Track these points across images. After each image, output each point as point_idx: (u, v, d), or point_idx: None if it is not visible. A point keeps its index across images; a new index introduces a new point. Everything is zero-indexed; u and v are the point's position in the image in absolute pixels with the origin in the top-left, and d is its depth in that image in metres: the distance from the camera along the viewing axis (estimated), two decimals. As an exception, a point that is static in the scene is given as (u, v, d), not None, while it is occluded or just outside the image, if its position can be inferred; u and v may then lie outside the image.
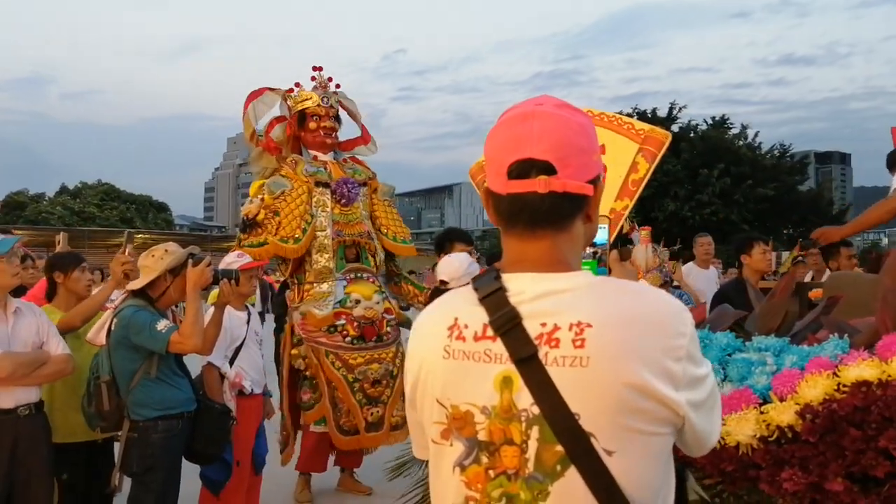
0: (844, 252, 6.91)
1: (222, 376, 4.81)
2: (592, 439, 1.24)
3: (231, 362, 4.89)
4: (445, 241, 5.82)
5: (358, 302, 6.14)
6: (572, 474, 1.24)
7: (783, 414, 1.86)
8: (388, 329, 6.25)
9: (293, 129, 6.65)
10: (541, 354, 1.27)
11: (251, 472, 5.11)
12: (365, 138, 7.09)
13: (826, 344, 2.03)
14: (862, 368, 1.83)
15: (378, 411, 6.08)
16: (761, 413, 1.91)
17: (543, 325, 1.28)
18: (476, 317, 1.35)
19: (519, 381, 1.28)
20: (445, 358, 1.37)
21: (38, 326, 3.90)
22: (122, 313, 4.05)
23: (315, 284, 6.21)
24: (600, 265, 2.62)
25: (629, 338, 1.25)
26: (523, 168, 1.31)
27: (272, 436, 5.91)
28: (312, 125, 6.55)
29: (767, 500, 1.97)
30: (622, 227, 4.90)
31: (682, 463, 1.51)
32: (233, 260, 5.09)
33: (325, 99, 6.62)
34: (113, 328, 4.04)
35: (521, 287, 1.33)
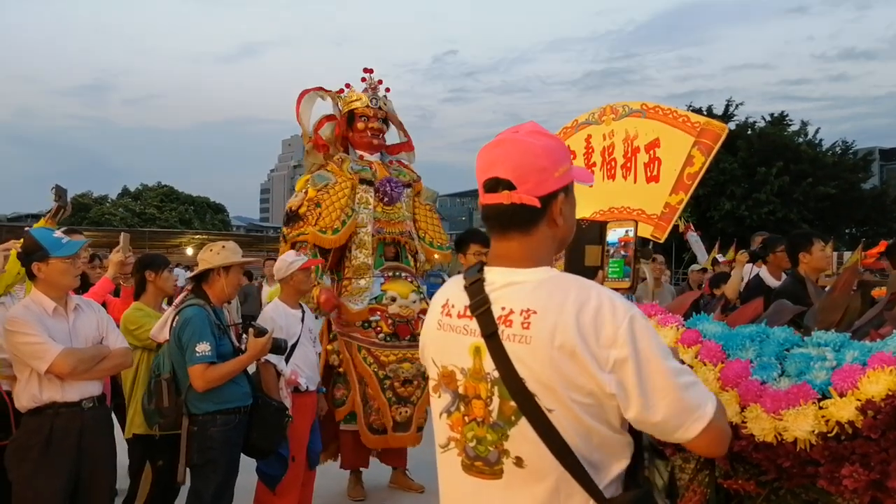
0: None
1: (278, 373, 4.87)
2: (536, 398, 1.60)
3: (287, 360, 4.95)
4: (463, 242, 5.81)
5: (394, 299, 6.20)
6: (524, 423, 1.61)
7: (843, 409, 1.82)
8: None
9: (342, 129, 6.74)
10: (500, 332, 1.64)
11: (306, 467, 5.18)
12: (409, 145, 7.15)
13: (889, 339, 1.96)
14: (926, 363, 1.78)
15: (407, 411, 6.10)
16: (820, 408, 1.87)
17: (503, 308, 1.66)
18: (461, 299, 1.76)
19: (485, 351, 1.66)
20: (438, 329, 1.81)
21: (97, 322, 4.00)
22: (184, 311, 4.17)
23: (353, 280, 6.28)
24: (626, 264, 2.62)
25: (563, 322, 1.58)
26: (492, 184, 1.70)
27: (327, 432, 5.96)
28: (360, 126, 6.64)
29: (826, 498, 1.93)
30: (677, 225, 4.80)
31: (656, 451, 1.81)
32: (292, 259, 5.17)
33: (374, 101, 6.70)
34: (174, 325, 4.16)
35: (494, 278, 1.72)
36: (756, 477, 2.03)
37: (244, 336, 4.40)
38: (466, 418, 1.71)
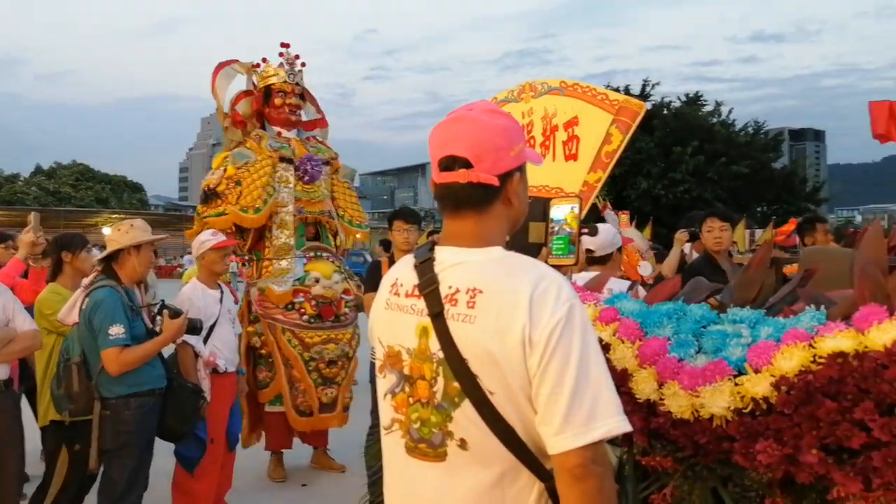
0: (821, 228, 6.98)
1: (197, 355, 4.76)
2: (479, 380, 1.57)
3: (205, 341, 4.84)
4: (390, 219, 5.86)
5: (317, 280, 6.15)
6: (467, 405, 1.59)
7: (758, 386, 1.84)
8: (346, 310, 6.24)
9: (258, 105, 6.60)
10: (446, 311, 1.62)
11: (225, 449, 5.10)
12: (324, 122, 7.07)
13: (802, 315, 1.99)
14: (838, 340, 1.80)
15: (332, 392, 6.09)
16: (736, 385, 1.89)
17: (450, 287, 1.65)
18: (409, 279, 1.74)
19: (432, 331, 1.64)
20: (385, 308, 1.79)
21: (3, 304, 3.85)
22: (94, 293, 4.03)
23: (274, 261, 6.20)
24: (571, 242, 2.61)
25: (512, 303, 1.55)
26: (449, 163, 1.67)
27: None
28: (278, 101, 6.54)
29: (740, 473, 1.96)
30: (595, 204, 4.85)
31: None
32: (207, 238, 5.06)
33: (292, 76, 6.60)
34: (84, 307, 4.02)
35: (444, 258, 1.70)
36: (673, 454, 2.05)
37: (158, 318, 4.27)
38: (411, 399, 1.69)
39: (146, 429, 4.10)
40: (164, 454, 4.54)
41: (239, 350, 6.21)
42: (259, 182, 6.13)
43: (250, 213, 6.03)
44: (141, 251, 4.23)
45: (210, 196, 6.11)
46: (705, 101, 39.97)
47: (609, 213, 12.50)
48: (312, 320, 6.10)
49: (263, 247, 6.33)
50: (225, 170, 6.17)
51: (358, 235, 6.85)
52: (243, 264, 7.07)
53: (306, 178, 6.42)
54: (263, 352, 6.16)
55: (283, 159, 6.38)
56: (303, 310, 6.10)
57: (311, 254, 6.37)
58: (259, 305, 6.16)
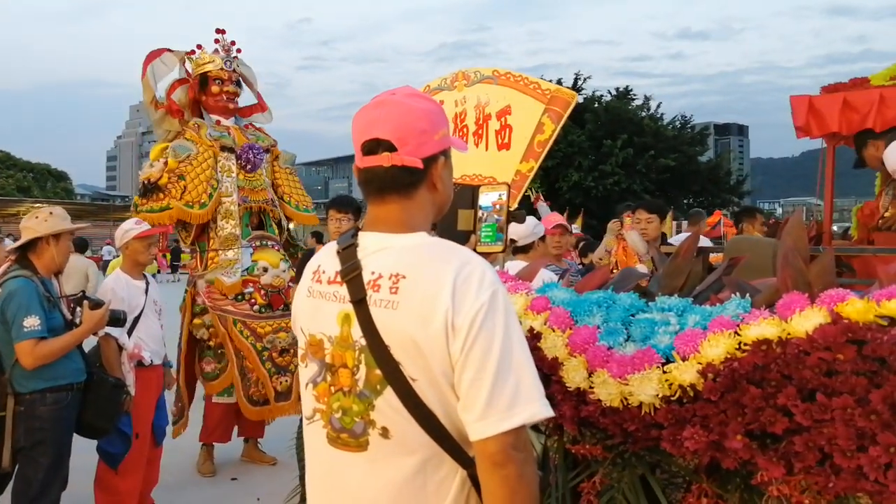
0: (759, 217, 7.23)
1: (120, 347, 4.63)
2: (401, 367, 1.55)
3: (129, 332, 4.72)
4: (327, 208, 5.79)
5: (265, 270, 6.13)
6: (389, 392, 1.57)
7: (685, 373, 1.86)
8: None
9: (194, 93, 6.46)
10: (368, 298, 1.60)
11: (151, 443, 4.99)
12: (262, 106, 6.98)
13: (728, 303, 2.02)
14: (763, 327, 1.83)
15: (286, 380, 6.06)
16: (664, 372, 1.91)
17: (373, 273, 1.62)
18: (332, 265, 1.72)
19: (354, 319, 1.61)
20: (308, 296, 1.76)
21: None
22: (7, 284, 3.89)
23: (220, 252, 6.10)
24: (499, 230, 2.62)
25: (435, 288, 1.53)
26: (372, 146, 1.64)
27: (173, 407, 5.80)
28: (215, 89, 6.42)
29: (668, 459, 1.98)
30: (528, 195, 4.88)
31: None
32: (131, 227, 4.95)
33: (228, 63, 6.49)
34: (-5, 298, 3.87)
35: (367, 243, 1.68)
36: (602, 441, 2.06)
37: (78, 309, 4.14)
38: (333, 388, 1.66)
39: (63, 425, 3.97)
40: (85, 450, 4.41)
41: (180, 343, 6.22)
42: (203, 176, 6.04)
43: (196, 209, 5.93)
44: (60, 241, 4.10)
45: (150, 189, 5.93)
46: (635, 95, 40.64)
47: (541, 204, 12.61)
48: (263, 310, 6.10)
49: (207, 238, 6.23)
50: (166, 162, 6.00)
51: (290, 225, 6.79)
52: (163, 255, 6.92)
53: (248, 166, 6.36)
54: (212, 343, 6.11)
55: (223, 148, 6.29)
56: (253, 300, 6.08)
57: (257, 243, 6.34)
58: (208, 297, 6.08)
